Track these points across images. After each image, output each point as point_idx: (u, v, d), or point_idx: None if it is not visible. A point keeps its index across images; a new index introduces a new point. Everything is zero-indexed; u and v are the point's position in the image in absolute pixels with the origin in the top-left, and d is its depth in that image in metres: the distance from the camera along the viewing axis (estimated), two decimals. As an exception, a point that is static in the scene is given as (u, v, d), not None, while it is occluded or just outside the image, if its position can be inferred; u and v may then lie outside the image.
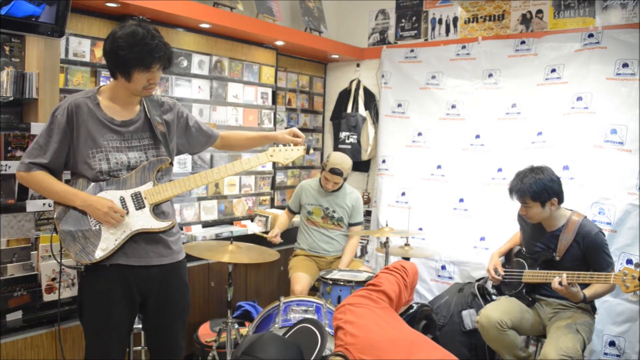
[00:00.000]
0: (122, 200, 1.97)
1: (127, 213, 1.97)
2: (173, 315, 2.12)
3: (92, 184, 1.96)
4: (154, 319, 2.09)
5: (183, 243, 2.83)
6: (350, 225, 3.62)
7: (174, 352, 2.14)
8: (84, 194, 1.93)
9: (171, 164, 2.10)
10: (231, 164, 2.13)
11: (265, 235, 3.42)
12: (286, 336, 1.52)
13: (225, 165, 2.14)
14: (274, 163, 4.33)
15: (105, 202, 1.92)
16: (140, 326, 2.41)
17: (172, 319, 2.12)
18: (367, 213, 4.44)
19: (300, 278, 3.33)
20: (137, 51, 1.83)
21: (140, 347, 2.95)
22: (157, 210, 2.04)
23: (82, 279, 2.01)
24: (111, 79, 1.99)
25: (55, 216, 1.96)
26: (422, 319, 3.10)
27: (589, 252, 2.63)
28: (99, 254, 1.92)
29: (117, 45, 1.84)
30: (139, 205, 1.99)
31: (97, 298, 1.96)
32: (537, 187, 2.63)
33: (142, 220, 1.98)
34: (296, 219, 3.81)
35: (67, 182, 2.01)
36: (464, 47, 4.08)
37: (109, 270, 1.95)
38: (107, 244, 1.93)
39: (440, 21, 4.33)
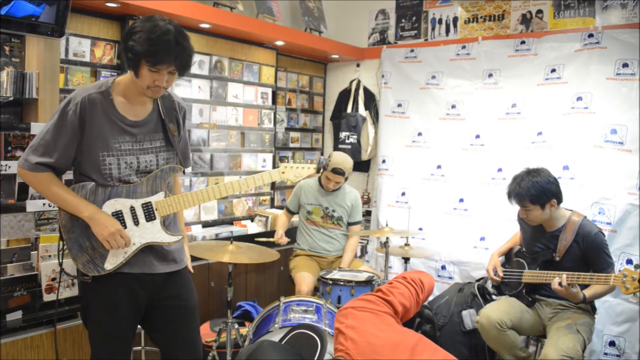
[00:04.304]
0: (133, 210, 1.90)
1: (137, 224, 1.91)
2: (187, 312, 2.03)
3: (101, 189, 1.87)
4: (168, 320, 2.00)
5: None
6: (350, 224, 3.62)
7: (194, 354, 2.05)
8: (93, 207, 1.84)
9: (184, 172, 2.02)
10: (244, 180, 2.06)
11: (270, 239, 3.39)
12: (282, 342, 1.50)
13: (238, 180, 2.05)
14: (274, 163, 4.34)
15: (114, 223, 1.83)
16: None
17: (188, 317, 2.03)
18: (367, 213, 4.45)
19: (305, 278, 3.31)
20: (148, 45, 1.71)
21: (140, 347, 2.95)
22: (167, 222, 1.97)
23: (85, 285, 1.94)
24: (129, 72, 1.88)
25: (62, 223, 1.88)
26: (425, 322, 3.10)
27: (589, 252, 2.62)
28: (108, 266, 1.86)
29: (132, 35, 1.74)
30: (150, 217, 1.92)
31: (103, 307, 1.90)
32: (535, 191, 2.63)
33: (152, 232, 1.92)
34: (295, 219, 3.80)
35: (69, 183, 1.93)
36: (464, 47, 4.08)
37: (113, 278, 1.88)
38: (116, 257, 1.87)
39: (440, 21, 4.33)
